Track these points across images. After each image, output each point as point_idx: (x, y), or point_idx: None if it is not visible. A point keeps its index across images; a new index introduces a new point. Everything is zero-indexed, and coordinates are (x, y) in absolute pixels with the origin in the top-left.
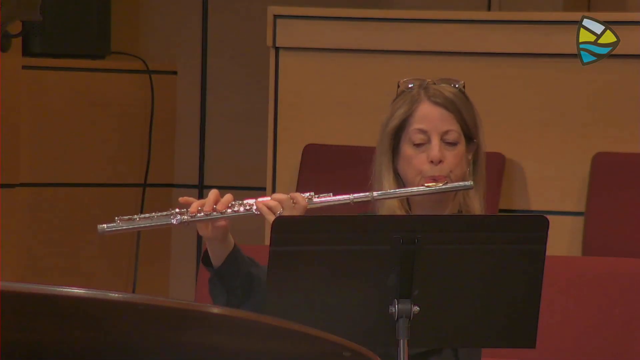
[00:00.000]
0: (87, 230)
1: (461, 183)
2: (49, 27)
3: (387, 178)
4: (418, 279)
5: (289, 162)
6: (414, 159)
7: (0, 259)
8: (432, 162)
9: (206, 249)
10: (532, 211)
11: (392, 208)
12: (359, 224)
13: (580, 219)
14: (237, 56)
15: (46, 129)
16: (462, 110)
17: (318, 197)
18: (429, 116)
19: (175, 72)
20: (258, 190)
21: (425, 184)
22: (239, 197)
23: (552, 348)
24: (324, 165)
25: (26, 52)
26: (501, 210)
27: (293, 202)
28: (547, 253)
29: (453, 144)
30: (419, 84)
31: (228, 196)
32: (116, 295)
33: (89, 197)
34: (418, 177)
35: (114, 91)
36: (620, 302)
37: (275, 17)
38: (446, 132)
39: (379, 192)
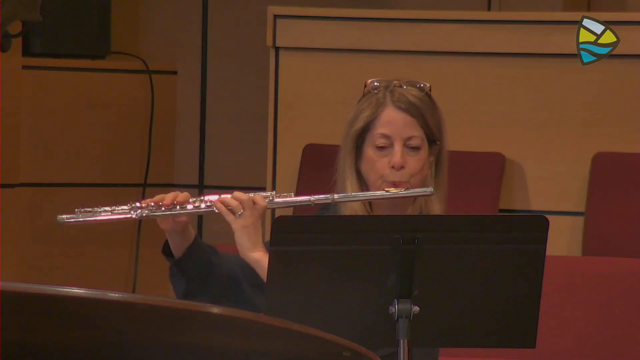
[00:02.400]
0: (87, 230)
1: (421, 189)
2: (49, 27)
3: (350, 178)
4: (418, 279)
5: (289, 162)
6: (376, 163)
7: (0, 259)
8: (393, 167)
9: (167, 239)
10: (532, 211)
11: (354, 208)
12: (359, 224)
13: (580, 219)
14: (237, 56)
15: (46, 129)
16: (425, 115)
17: (279, 197)
18: (393, 121)
19: (175, 72)
20: (258, 190)
21: (386, 189)
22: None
23: (552, 348)
24: (324, 165)
25: (26, 52)
26: (501, 210)
27: (253, 203)
28: (547, 253)
29: (415, 149)
30: (385, 85)
31: (185, 194)
32: (116, 295)
33: (88, 197)
34: (379, 181)
35: (114, 91)
36: (620, 302)
37: (275, 17)
38: (409, 138)
39: (340, 195)
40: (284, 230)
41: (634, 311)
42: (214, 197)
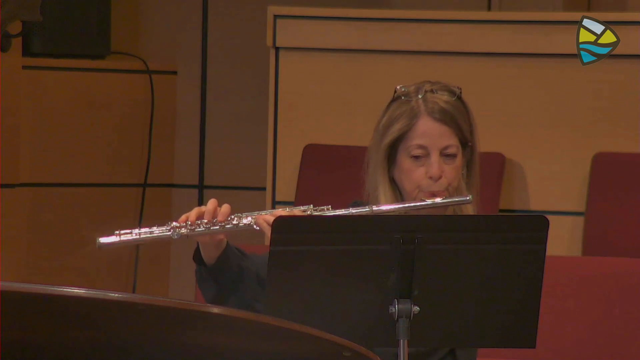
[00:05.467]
0: (87, 230)
1: (460, 198)
2: (49, 27)
3: (383, 187)
4: (418, 279)
5: (289, 162)
6: (413, 173)
7: (0, 259)
8: (431, 178)
9: (197, 246)
10: (532, 211)
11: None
12: (359, 224)
13: (580, 219)
14: (237, 56)
15: (46, 129)
16: (460, 122)
17: (317, 211)
18: (429, 132)
19: (175, 72)
20: (258, 190)
21: (424, 199)
22: (239, 197)
23: (552, 348)
24: (324, 165)
25: (26, 52)
26: (501, 210)
27: None
28: (547, 253)
29: (452, 156)
30: (416, 90)
31: (227, 207)
32: (116, 295)
33: (89, 197)
34: (416, 191)
35: (114, 91)
36: (620, 302)
37: (275, 17)
38: (446, 147)
39: (378, 207)
40: (283, 230)
41: (634, 311)
42: (253, 214)
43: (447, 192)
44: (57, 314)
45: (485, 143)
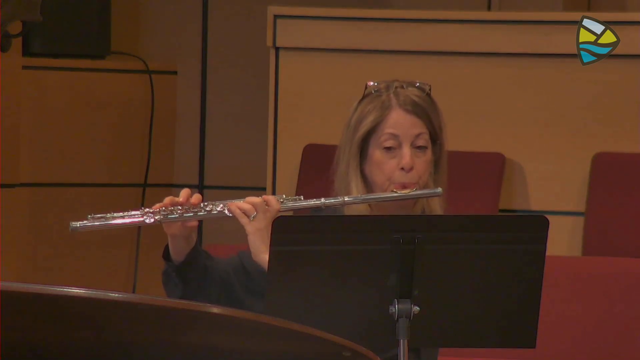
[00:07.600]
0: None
1: (430, 190)
2: (49, 27)
3: (355, 181)
4: (418, 279)
5: (289, 162)
6: (385, 165)
7: (0, 259)
8: (402, 169)
9: (167, 244)
10: (532, 211)
11: (359, 210)
12: (359, 224)
13: (580, 219)
14: (237, 56)
15: (46, 129)
16: (430, 115)
17: (290, 201)
18: (401, 123)
19: (175, 72)
20: (258, 190)
21: (395, 190)
22: (239, 197)
23: (552, 348)
24: (324, 165)
25: (26, 52)
26: (501, 210)
27: (266, 205)
28: (547, 253)
29: (423, 148)
30: (386, 86)
31: (197, 197)
32: (116, 295)
33: (89, 197)
34: (387, 183)
35: (114, 91)
36: (620, 302)
37: (275, 17)
38: (417, 136)
39: (350, 197)
40: (284, 230)
41: (634, 311)
42: (224, 202)
43: (417, 185)
44: (57, 314)
45: (485, 143)
